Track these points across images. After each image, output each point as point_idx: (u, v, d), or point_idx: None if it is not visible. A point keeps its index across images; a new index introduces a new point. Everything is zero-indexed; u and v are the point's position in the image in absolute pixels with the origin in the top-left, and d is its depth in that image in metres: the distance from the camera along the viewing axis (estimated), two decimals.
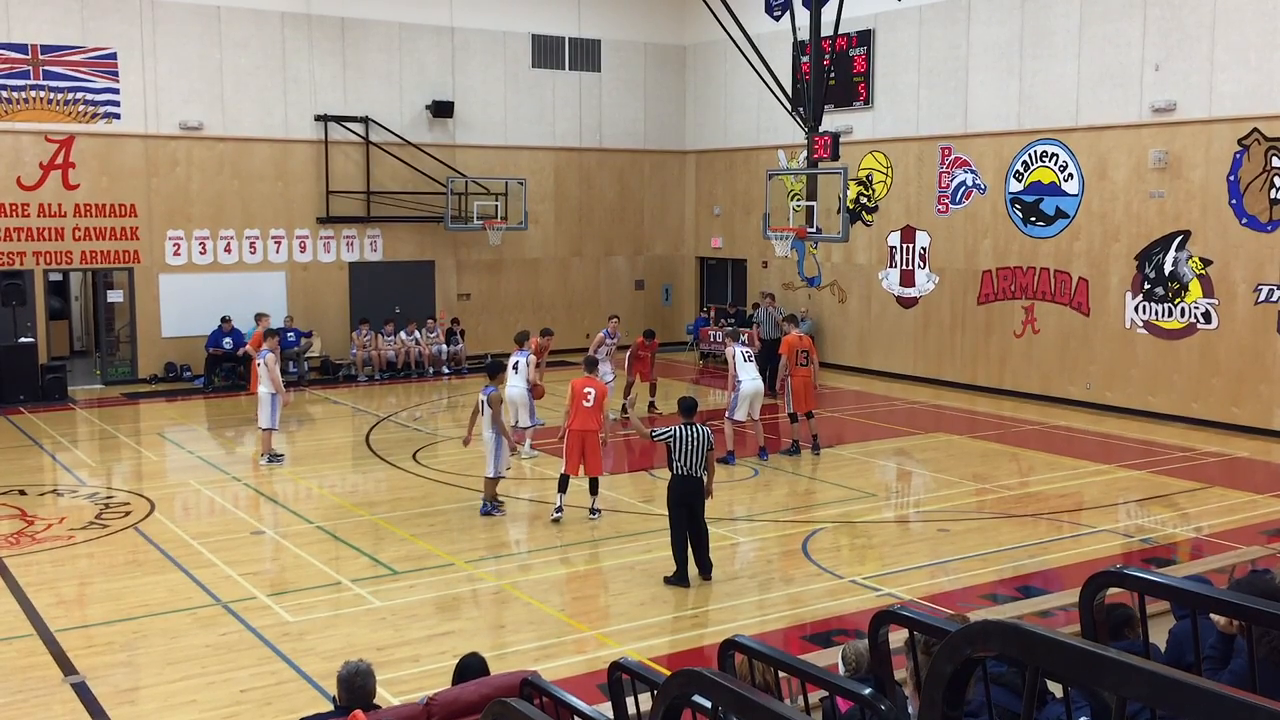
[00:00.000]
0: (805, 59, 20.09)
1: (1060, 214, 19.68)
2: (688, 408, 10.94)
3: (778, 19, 23.71)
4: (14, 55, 20.36)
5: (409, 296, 24.29)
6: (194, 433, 18.24)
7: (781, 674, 4.39)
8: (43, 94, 20.65)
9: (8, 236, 20.60)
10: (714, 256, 27.42)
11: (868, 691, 2.89)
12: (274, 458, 15.41)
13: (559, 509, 12.45)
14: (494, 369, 13.29)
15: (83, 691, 8.07)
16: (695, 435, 10.44)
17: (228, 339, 21.72)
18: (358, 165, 23.57)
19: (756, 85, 22.22)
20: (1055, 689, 4.06)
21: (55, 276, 23.12)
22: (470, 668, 6.07)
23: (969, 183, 21.19)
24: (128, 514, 12.84)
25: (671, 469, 10.52)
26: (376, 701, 6.31)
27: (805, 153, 19.90)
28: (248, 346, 19.74)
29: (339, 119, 23.17)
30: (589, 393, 12.43)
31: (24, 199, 20.67)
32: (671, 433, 10.51)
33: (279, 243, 23.03)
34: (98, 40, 20.99)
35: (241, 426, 18.28)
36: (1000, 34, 20.35)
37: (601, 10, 26.16)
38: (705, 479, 10.53)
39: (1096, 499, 13.69)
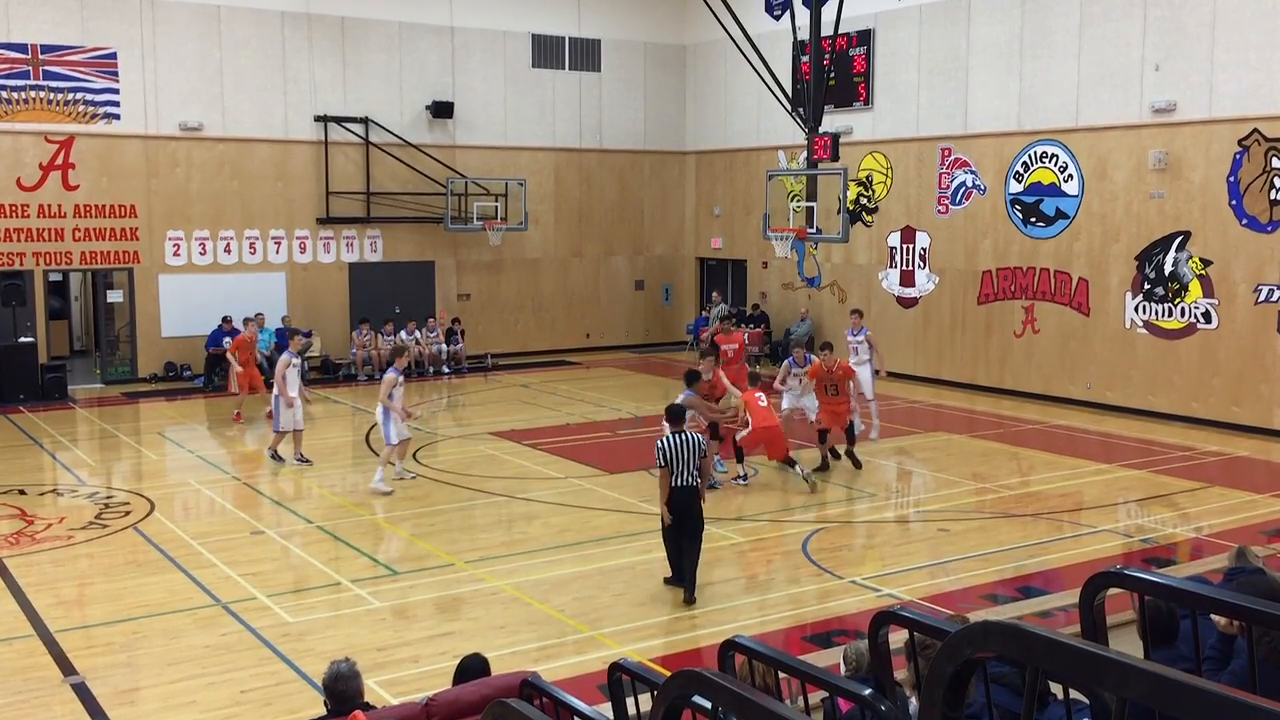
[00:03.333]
0: (805, 59, 20.08)
1: (1060, 214, 19.68)
2: (676, 415, 10.69)
3: (778, 19, 23.71)
4: (14, 55, 20.37)
5: (409, 297, 24.30)
6: (194, 432, 18.23)
7: (782, 674, 4.39)
8: (43, 94, 20.66)
9: (8, 237, 20.61)
10: (714, 257, 27.42)
11: (868, 692, 2.89)
12: (275, 456, 15.44)
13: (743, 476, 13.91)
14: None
15: (82, 692, 8.07)
16: (686, 442, 10.08)
17: (228, 338, 21.70)
18: (358, 166, 23.57)
19: (756, 85, 22.23)
20: (1059, 690, 4.06)
21: (55, 276, 23.11)
22: (471, 668, 6.05)
23: (969, 183, 21.19)
24: (128, 514, 12.84)
25: (670, 481, 10.05)
26: (376, 702, 6.31)
27: (805, 153, 19.90)
28: (231, 349, 19.49)
29: (339, 119, 23.18)
30: (760, 397, 13.98)
31: (24, 199, 20.67)
32: (662, 448, 10.04)
33: (279, 243, 23.03)
34: (98, 40, 20.99)
35: (241, 426, 18.27)
36: (1000, 34, 20.35)
37: (601, 10, 26.16)
38: (699, 484, 10.22)
39: (1097, 499, 13.68)
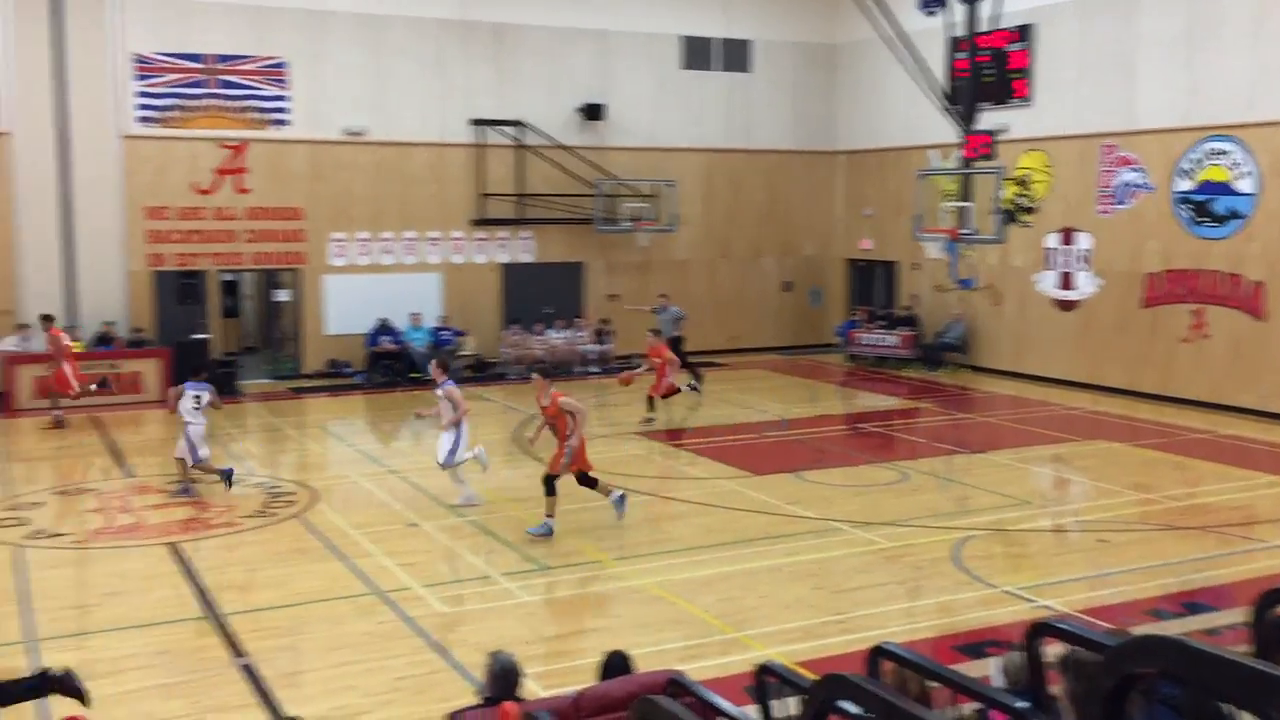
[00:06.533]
0: (960, 55, 19.62)
1: (1233, 214, 18.75)
2: None
3: (931, 15, 23.22)
4: (192, 65, 21.49)
5: (559, 297, 24.68)
6: (354, 427, 18.90)
7: (932, 684, 4.31)
8: (218, 102, 21.75)
9: (186, 239, 21.77)
10: (863, 258, 27.03)
11: (1025, 706, 2.83)
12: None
13: None
14: None
15: (250, 674, 8.46)
16: None
17: (385, 337, 22.50)
18: (510, 168, 24.06)
19: (908, 83, 21.78)
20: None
21: (228, 277, 24.30)
22: (614, 665, 6.13)
23: (1134, 181, 20.37)
24: (292, 504, 13.40)
25: None
26: (524, 695, 6.43)
27: (958, 152, 19.45)
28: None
29: (493, 123, 23.71)
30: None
31: (200, 203, 21.80)
32: None
33: (435, 244, 23.70)
34: (270, 50, 21.99)
35: (399, 422, 18.86)
36: (1168, 25, 19.49)
37: (751, 10, 26.09)
38: None
39: (1270, 512, 13.00)
